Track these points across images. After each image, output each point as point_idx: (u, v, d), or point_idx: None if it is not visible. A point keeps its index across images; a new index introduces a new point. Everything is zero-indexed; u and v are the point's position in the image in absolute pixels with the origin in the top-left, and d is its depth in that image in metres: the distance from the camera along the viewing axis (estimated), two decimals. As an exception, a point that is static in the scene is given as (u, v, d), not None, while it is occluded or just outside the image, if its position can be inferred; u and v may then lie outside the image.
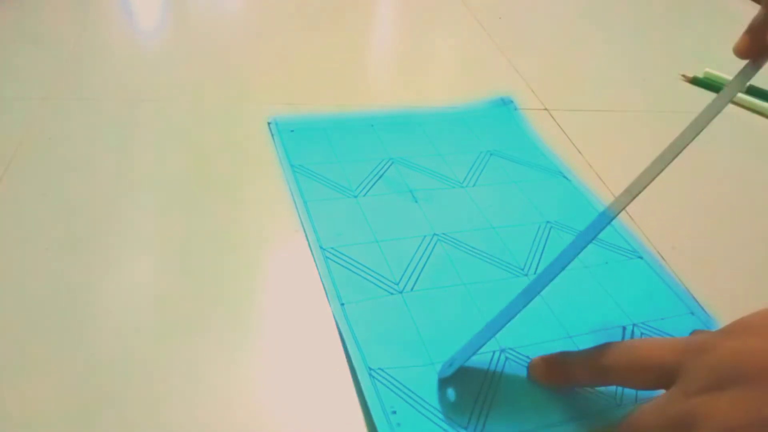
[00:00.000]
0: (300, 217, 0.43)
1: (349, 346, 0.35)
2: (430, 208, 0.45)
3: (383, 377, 0.33)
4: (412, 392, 0.33)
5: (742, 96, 0.64)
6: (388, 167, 0.49)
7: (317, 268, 0.39)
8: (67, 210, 0.43)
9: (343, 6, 0.81)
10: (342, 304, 0.37)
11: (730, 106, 0.63)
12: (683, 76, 0.68)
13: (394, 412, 0.32)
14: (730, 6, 0.88)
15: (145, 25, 0.75)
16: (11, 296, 0.36)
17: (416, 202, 0.45)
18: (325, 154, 0.49)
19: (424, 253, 0.41)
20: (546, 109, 0.59)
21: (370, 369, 0.34)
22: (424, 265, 0.41)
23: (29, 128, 0.51)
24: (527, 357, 0.36)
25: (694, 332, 0.36)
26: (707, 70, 0.67)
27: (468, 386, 0.34)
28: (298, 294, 0.38)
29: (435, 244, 0.42)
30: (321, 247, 0.41)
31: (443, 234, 0.43)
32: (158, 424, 0.30)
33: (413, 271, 0.40)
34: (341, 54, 0.68)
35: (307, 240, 0.41)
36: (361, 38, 0.75)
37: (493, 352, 0.36)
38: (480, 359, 0.35)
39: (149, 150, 0.50)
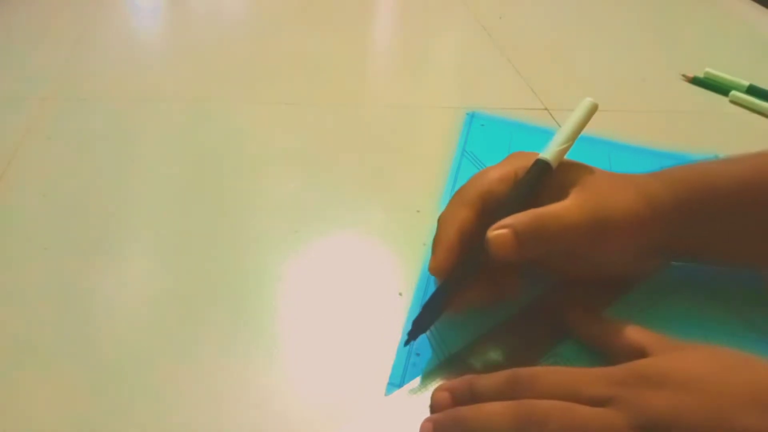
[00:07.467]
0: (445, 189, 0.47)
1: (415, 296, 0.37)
2: None
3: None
4: (444, 343, 0.35)
5: (742, 96, 0.63)
6: None
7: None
8: (67, 210, 0.43)
9: (343, 5, 0.81)
10: None
11: (730, 105, 0.63)
12: (683, 76, 0.67)
13: (418, 355, 0.34)
14: (730, 6, 0.88)
15: (146, 25, 0.75)
16: (11, 296, 0.36)
17: None
18: (497, 150, 0.51)
19: None
20: (546, 109, 0.59)
21: None
22: None
23: (29, 128, 0.51)
24: None
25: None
26: (707, 69, 0.67)
27: None
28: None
29: None
30: None
31: None
32: (159, 425, 0.30)
33: None
34: (341, 53, 0.68)
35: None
36: (361, 38, 0.75)
37: None
38: None
39: (149, 150, 0.50)
